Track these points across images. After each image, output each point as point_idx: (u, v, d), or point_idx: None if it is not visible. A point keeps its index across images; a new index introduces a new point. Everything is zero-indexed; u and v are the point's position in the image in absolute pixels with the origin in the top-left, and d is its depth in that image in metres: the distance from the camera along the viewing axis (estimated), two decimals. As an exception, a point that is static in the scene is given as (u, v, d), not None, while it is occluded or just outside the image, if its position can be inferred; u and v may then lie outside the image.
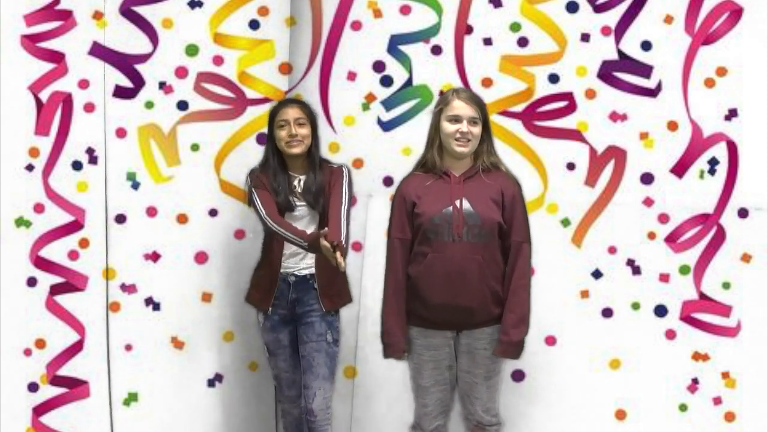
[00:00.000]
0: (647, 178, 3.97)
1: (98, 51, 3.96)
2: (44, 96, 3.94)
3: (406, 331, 3.44)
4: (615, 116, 3.97)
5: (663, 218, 3.97)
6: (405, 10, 4.03)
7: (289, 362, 3.75)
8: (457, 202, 3.39)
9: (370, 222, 3.98)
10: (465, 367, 3.47)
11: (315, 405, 3.61)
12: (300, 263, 3.67)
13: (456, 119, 3.42)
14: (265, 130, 4.01)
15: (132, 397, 4.01)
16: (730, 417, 3.96)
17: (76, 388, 3.97)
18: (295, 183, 3.69)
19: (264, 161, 3.74)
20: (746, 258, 3.95)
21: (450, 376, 3.48)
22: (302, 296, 3.65)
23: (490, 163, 3.48)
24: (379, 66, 4.04)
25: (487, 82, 3.99)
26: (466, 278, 3.35)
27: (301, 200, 3.67)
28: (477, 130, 3.43)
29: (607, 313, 3.98)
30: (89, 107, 3.97)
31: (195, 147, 4.02)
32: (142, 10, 3.99)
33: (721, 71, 3.94)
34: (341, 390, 4.00)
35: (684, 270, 3.97)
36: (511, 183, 3.48)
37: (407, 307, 3.46)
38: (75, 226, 3.96)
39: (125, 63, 3.98)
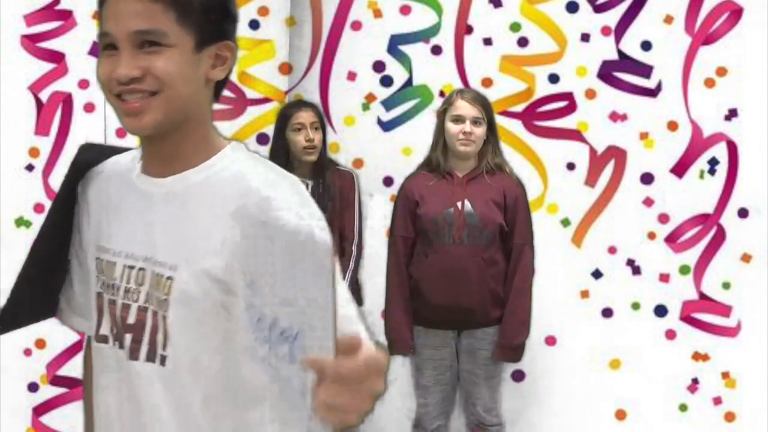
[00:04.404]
0: (647, 178, 3.96)
1: (98, 51, 3.95)
2: (44, 96, 3.94)
3: (412, 327, 3.45)
4: (615, 116, 3.97)
5: (663, 218, 3.96)
6: (405, 10, 4.03)
7: None
8: (459, 204, 3.39)
9: (370, 222, 3.98)
10: (466, 367, 3.46)
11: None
12: None
13: (459, 119, 3.41)
14: (265, 130, 4.01)
15: (132, 397, 4.01)
16: (730, 417, 3.96)
17: (76, 388, 3.97)
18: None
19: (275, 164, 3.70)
20: (746, 258, 3.95)
21: (451, 375, 3.48)
22: None
23: (494, 164, 3.47)
24: (379, 66, 4.04)
25: (487, 82, 3.98)
26: (466, 279, 3.35)
27: None
28: (480, 130, 3.42)
29: (607, 313, 3.98)
30: (89, 107, 3.97)
31: (195, 147, 4.02)
32: (142, 10, 3.98)
33: (721, 71, 3.94)
34: (341, 390, 3.99)
35: (684, 270, 3.97)
36: (514, 185, 3.47)
37: (408, 307, 3.47)
38: (75, 226, 3.96)
39: (125, 63, 3.97)
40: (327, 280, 1.31)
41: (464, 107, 3.42)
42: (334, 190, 3.63)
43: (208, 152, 1.44)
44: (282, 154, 3.66)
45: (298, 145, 3.61)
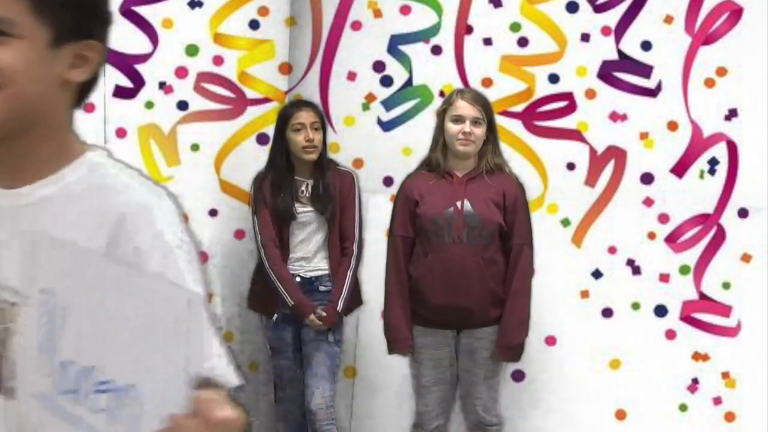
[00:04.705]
0: (647, 178, 3.97)
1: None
2: (44, 96, 3.94)
3: (411, 326, 3.45)
4: (615, 116, 3.97)
5: (663, 218, 3.97)
6: (405, 10, 4.03)
7: (291, 360, 3.72)
8: (459, 203, 3.38)
9: (370, 222, 3.98)
10: (465, 366, 3.46)
11: (314, 404, 3.61)
12: (306, 266, 3.66)
13: (459, 119, 3.41)
14: (265, 130, 4.02)
15: (132, 397, 4.01)
16: (730, 417, 3.96)
17: (76, 388, 3.97)
18: (303, 188, 3.66)
19: (270, 163, 3.71)
20: (746, 258, 3.95)
21: (450, 375, 3.48)
22: (307, 297, 3.63)
23: (494, 164, 3.47)
24: (379, 66, 4.04)
25: (487, 82, 3.99)
26: (466, 279, 3.35)
27: (308, 206, 3.65)
28: (480, 130, 3.42)
29: (607, 313, 3.98)
30: (89, 107, 3.97)
31: (195, 147, 4.02)
32: (142, 10, 3.98)
33: (721, 71, 3.94)
34: (341, 390, 3.99)
35: (684, 270, 3.97)
36: (513, 185, 3.47)
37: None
38: (75, 226, 3.96)
39: (125, 63, 3.97)
40: (188, 327, 1.00)
41: (464, 107, 3.42)
42: (333, 190, 3.64)
43: (64, 161, 1.28)
44: (282, 154, 3.67)
45: (297, 145, 3.62)
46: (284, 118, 3.67)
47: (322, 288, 3.65)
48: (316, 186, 3.65)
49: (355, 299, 3.74)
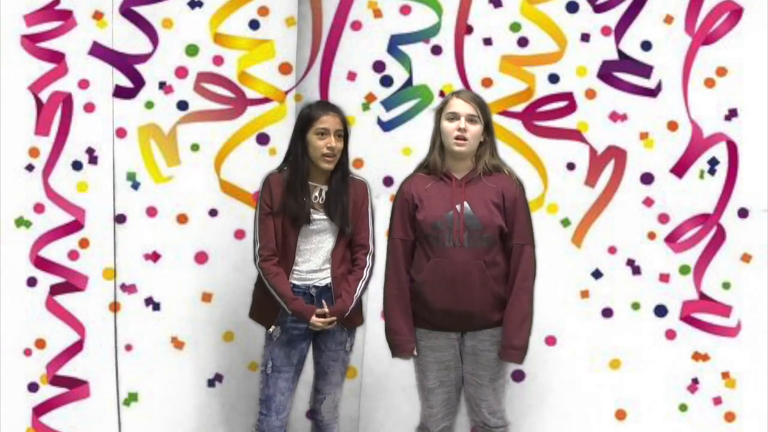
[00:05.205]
0: (647, 178, 3.97)
1: (98, 51, 3.96)
2: (44, 96, 3.95)
3: (413, 329, 3.43)
4: (615, 116, 3.97)
5: (663, 218, 3.97)
6: (405, 10, 4.03)
7: (289, 383, 3.53)
8: (458, 207, 3.37)
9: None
10: (470, 369, 3.45)
11: (324, 407, 3.60)
12: (318, 275, 3.53)
13: (454, 116, 3.40)
14: (265, 130, 4.02)
15: (132, 397, 4.01)
16: (730, 417, 3.97)
17: (76, 388, 3.98)
18: (316, 193, 3.52)
19: (290, 165, 3.51)
20: (746, 258, 3.95)
21: (455, 377, 3.46)
22: (309, 304, 3.55)
23: (491, 165, 3.45)
24: (379, 66, 4.04)
25: (487, 82, 3.99)
26: (468, 283, 3.34)
27: (320, 212, 3.51)
28: (475, 128, 3.40)
29: (607, 313, 3.98)
30: (89, 107, 3.98)
31: (195, 147, 4.03)
32: (142, 10, 3.99)
33: (721, 71, 3.95)
34: (348, 391, 3.99)
35: (684, 270, 3.97)
36: (512, 185, 3.45)
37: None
38: (75, 226, 3.97)
39: (125, 63, 3.98)
40: None
41: (459, 104, 3.40)
42: (347, 198, 3.52)
43: None
44: (304, 155, 3.48)
45: (317, 151, 3.46)
46: (308, 120, 3.48)
47: (326, 296, 3.54)
48: (331, 192, 3.51)
49: (360, 315, 3.64)
